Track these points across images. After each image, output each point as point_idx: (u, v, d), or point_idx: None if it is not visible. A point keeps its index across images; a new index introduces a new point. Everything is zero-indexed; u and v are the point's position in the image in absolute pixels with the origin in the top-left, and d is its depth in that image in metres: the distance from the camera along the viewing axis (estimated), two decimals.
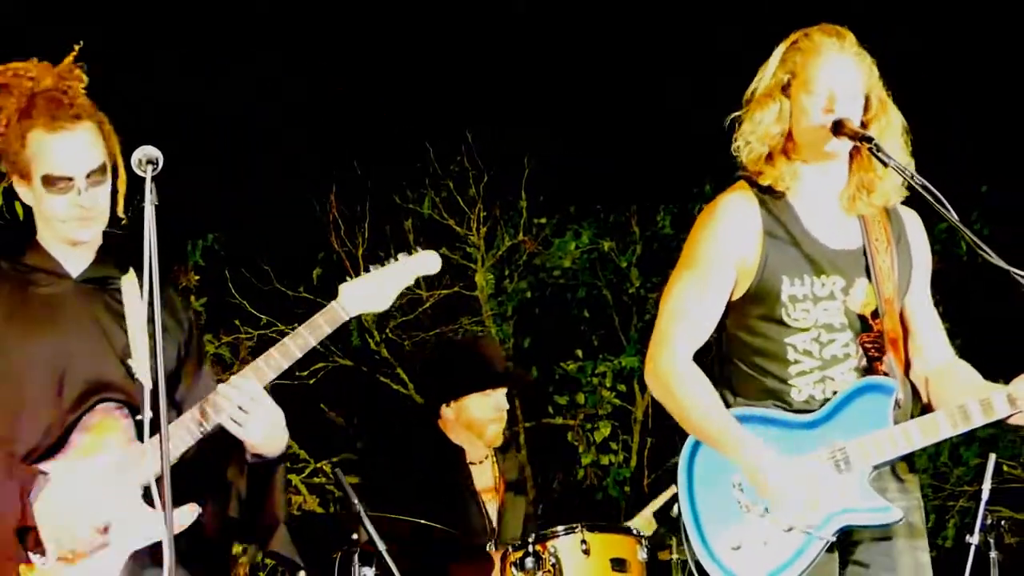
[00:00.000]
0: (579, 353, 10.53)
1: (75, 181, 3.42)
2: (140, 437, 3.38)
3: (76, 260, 3.53)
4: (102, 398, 3.41)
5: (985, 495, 5.25)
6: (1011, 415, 3.50)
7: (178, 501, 3.35)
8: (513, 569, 4.69)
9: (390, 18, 9.82)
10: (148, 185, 3.19)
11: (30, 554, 3.32)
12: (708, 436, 3.57)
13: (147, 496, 3.38)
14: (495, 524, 5.29)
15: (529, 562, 4.64)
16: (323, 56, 9.80)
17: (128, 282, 3.56)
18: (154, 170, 3.22)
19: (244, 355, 10.06)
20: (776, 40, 3.70)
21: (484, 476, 5.37)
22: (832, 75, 3.56)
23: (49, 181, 3.42)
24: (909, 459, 3.66)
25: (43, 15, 8.80)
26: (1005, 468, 9.33)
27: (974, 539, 5.24)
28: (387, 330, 10.31)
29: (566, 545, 4.68)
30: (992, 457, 5.37)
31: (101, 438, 3.41)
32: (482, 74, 9.81)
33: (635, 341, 10.41)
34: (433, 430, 5.38)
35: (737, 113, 3.69)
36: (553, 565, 4.63)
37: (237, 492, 3.53)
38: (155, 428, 3.33)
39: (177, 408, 3.50)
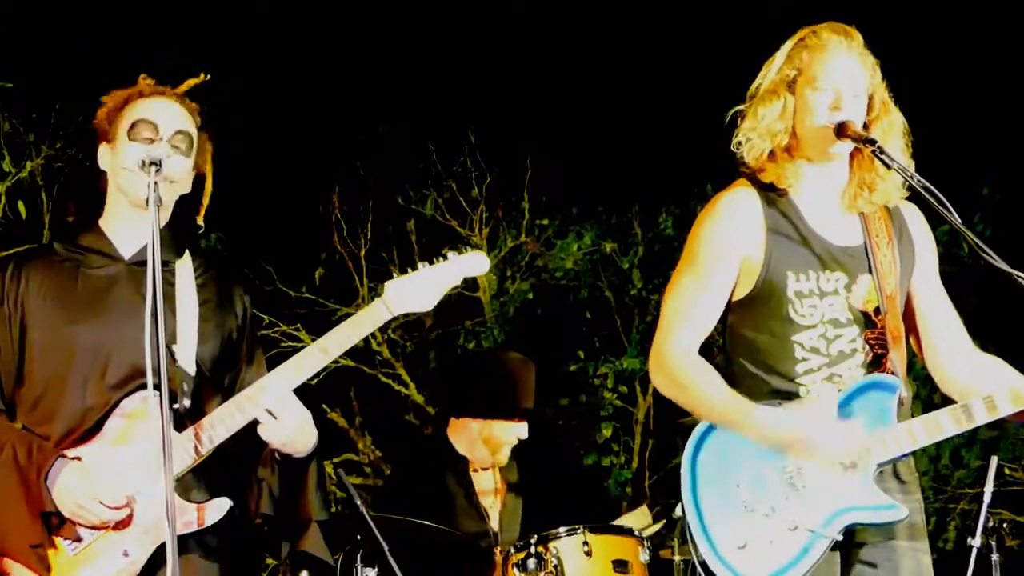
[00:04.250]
0: (581, 354, 10.51)
1: (160, 132, 3.46)
2: (177, 425, 3.38)
3: (131, 242, 3.52)
4: (143, 383, 3.36)
5: (987, 497, 5.24)
6: (1015, 413, 3.50)
7: (212, 494, 3.40)
8: (515, 570, 4.69)
9: (393, 18, 9.81)
10: (150, 185, 3.24)
11: (57, 539, 3.33)
12: (718, 416, 3.56)
13: (177, 486, 3.35)
14: (496, 527, 5.29)
15: (531, 563, 4.64)
16: (325, 56, 9.79)
17: (183, 265, 3.57)
18: (157, 171, 3.29)
19: None
20: (778, 40, 3.70)
21: (486, 481, 5.36)
22: (839, 73, 3.56)
23: (133, 128, 3.46)
24: (910, 460, 3.66)
25: (44, 10, 8.80)
26: (1007, 471, 9.31)
27: (975, 541, 5.23)
28: (389, 330, 10.29)
29: (568, 546, 4.69)
30: (994, 459, 5.37)
31: (134, 425, 3.40)
32: (485, 75, 9.80)
33: (637, 343, 10.38)
34: (437, 434, 5.37)
35: (739, 107, 3.69)
36: (555, 566, 4.63)
37: (269, 488, 3.51)
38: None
39: (225, 395, 3.49)
